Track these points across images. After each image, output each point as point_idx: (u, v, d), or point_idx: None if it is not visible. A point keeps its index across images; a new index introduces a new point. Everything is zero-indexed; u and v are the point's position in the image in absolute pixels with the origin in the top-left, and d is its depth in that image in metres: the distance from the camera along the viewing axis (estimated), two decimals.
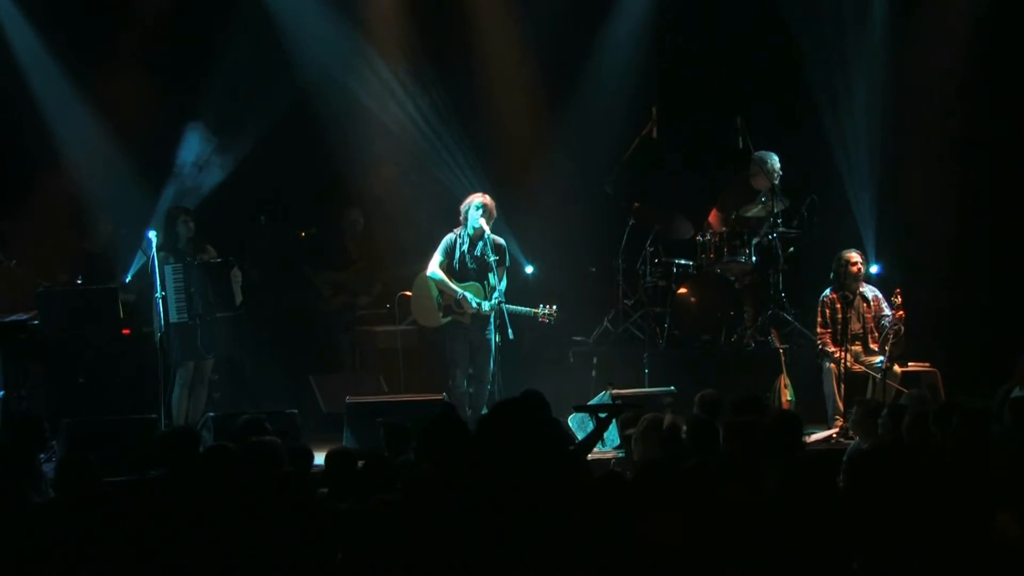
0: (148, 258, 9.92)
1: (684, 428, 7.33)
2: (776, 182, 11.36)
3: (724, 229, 11.51)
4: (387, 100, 12.15)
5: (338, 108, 11.97)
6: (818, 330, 10.38)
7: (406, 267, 11.19)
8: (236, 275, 10.26)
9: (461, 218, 10.09)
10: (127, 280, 10.35)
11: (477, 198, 10.04)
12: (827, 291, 10.41)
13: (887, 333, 10.10)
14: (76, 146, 11.41)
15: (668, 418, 7.39)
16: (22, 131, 11.36)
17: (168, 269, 9.95)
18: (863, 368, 10.25)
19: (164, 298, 9.85)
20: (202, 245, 10.37)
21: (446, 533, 4.66)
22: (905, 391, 9.83)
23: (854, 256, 10.36)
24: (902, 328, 10.08)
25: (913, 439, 7.01)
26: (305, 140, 12.08)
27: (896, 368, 10.10)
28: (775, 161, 11.45)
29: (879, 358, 10.12)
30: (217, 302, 10.08)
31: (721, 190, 11.81)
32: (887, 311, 10.29)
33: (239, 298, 10.19)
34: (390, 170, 12.27)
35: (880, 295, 10.44)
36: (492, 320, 9.99)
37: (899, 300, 10.07)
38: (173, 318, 9.93)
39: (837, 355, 10.16)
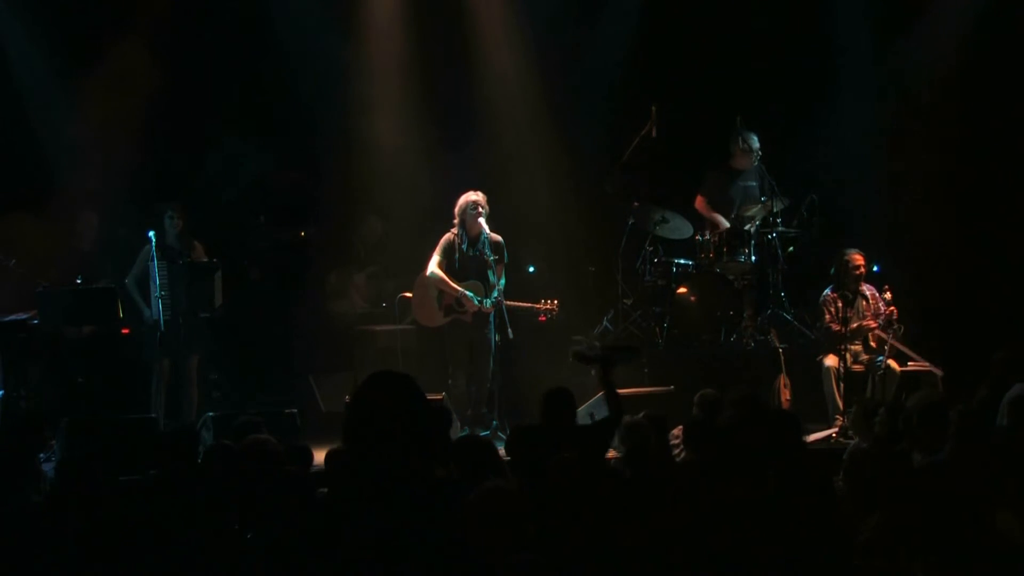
0: (149, 258, 9.93)
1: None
2: (756, 162, 11.34)
3: (713, 216, 11.51)
4: (388, 100, 12.16)
5: (337, 108, 11.99)
6: (829, 325, 10.29)
7: (404, 277, 11.18)
8: (218, 277, 10.28)
9: (456, 220, 10.08)
10: (127, 280, 10.32)
11: (471, 197, 10.01)
12: (827, 290, 10.41)
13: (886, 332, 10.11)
14: (70, 146, 11.39)
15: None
16: (14, 131, 11.34)
17: (153, 267, 9.94)
18: (863, 367, 10.26)
19: (163, 297, 9.87)
20: (190, 242, 10.34)
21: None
22: (904, 394, 9.84)
23: (858, 258, 10.33)
24: (901, 327, 10.09)
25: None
26: (306, 141, 12.10)
27: (896, 367, 10.11)
28: (754, 141, 11.40)
29: (879, 357, 10.13)
30: (200, 302, 10.08)
31: (705, 175, 11.78)
32: (884, 309, 10.29)
33: (220, 300, 10.21)
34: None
35: (877, 292, 10.44)
36: (492, 319, 10.00)
37: (889, 296, 10.11)
38: (156, 315, 9.94)
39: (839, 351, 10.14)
